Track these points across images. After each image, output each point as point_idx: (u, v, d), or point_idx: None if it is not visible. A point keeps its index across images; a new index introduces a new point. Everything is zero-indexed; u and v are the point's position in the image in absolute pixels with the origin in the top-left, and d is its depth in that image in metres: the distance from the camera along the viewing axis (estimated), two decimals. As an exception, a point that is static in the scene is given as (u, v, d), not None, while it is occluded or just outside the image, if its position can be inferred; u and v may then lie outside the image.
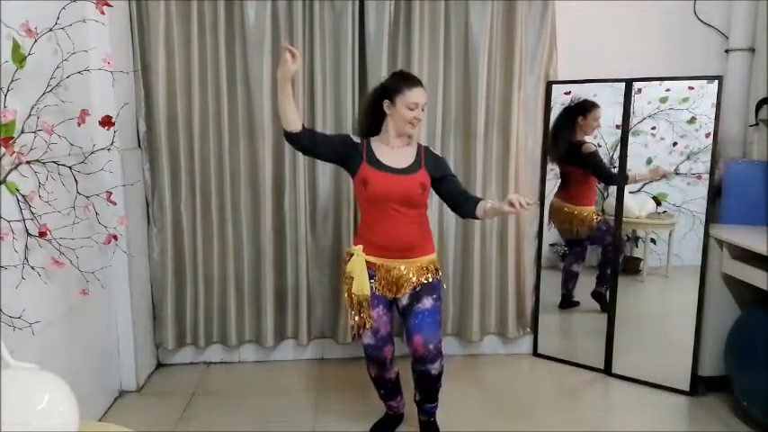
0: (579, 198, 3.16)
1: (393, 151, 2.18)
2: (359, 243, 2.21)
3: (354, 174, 2.18)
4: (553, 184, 3.16)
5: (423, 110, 2.15)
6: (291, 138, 2.13)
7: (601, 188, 3.18)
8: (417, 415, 2.38)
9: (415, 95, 2.10)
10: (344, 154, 2.19)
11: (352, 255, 2.20)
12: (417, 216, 2.19)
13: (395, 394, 2.42)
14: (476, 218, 2.13)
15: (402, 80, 2.16)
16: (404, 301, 2.20)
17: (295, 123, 2.10)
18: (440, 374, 2.21)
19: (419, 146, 2.24)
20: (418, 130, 2.33)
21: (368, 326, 2.21)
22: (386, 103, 2.14)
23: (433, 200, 2.86)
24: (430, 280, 2.19)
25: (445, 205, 2.99)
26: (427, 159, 2.20)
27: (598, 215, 3.12)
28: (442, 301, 2.28)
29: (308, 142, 2.15)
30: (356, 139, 2.22)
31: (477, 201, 2.13)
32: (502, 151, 3.02)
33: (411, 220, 2.16)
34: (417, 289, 2.18)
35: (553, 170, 3.15)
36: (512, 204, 1.89)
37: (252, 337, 3.12)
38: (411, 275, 2.17)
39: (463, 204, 2.17)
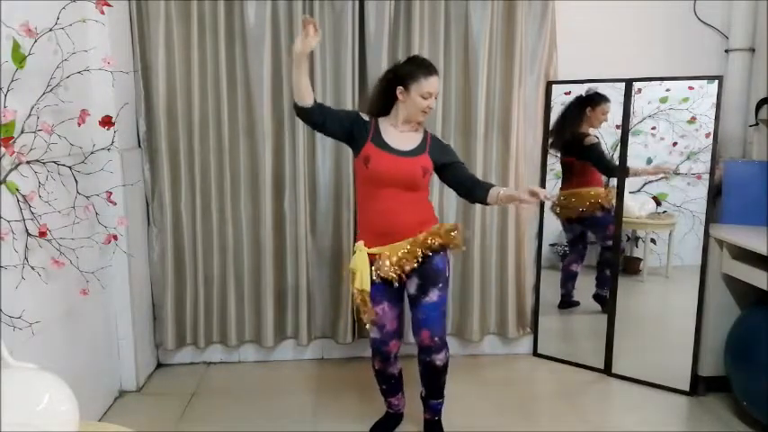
0: (584, 182, 3.14)
1: (400, 134, 2.18)
2: (360, 238, 2.22)
3: (358, 152, 2.17)
4: (553, 184, 3.15)
5: (435, 98, 2.15)
6: (303, 112, 2.12)
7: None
8: (423, 413, 2.39)
9: (430, 85, 2.09)
10: (352, 131, 2.18)
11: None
12: (415, 199, 2.18)
13: (396, 391, 2.43)
14: (486, 203, 2.14)
15: (419, 67, 2.12)
16: (411, 290, 2.20)
17: (307, 98, 2.08)
18: (445, 366, 2.22)
19: (426, 132, 2.25)
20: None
21: (368, 321, 2.22)
22: (399, 89, 2.12)
23: (434, 199, 2.87)
24: (432, 255, 2.15)
25: (444, 204, 3.03)
26: (433, 145, 2.20)
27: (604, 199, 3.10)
28: (449, 286, 2.26)
29: (318, 117, 2.14)
30: (365, 117, 2.22)
31: (488, 186, 2.13)
32: (502, 151, 3.02)
33: (408, 203, 2.15)
34: (423, 268, 2.15)
35: (554, 170, 3.15)
36: (533, 194, 1.91)
37: (252, 337, 3.12)
38: (411, 254, 2.13)
39: (473, 189, 2.17)
